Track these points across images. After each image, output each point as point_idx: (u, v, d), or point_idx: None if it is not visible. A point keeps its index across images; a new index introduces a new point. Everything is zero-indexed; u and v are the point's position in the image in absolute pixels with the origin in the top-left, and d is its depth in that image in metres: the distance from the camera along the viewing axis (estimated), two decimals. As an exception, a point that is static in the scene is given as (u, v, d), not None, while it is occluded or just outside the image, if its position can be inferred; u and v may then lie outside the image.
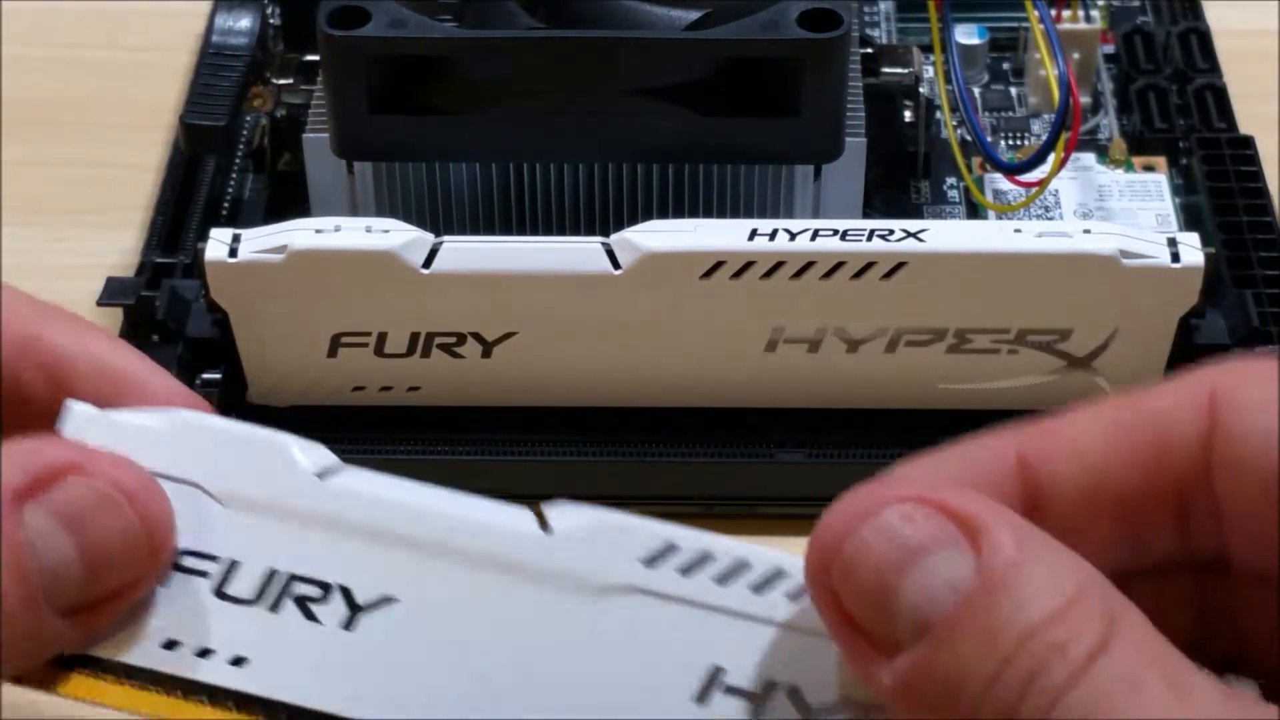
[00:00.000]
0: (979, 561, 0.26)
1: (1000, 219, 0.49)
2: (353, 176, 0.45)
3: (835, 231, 0.39)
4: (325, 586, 0.30)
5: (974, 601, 0.26)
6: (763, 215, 0.45)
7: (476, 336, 0.41)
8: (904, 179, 0.50)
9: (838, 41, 0.42)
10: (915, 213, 0.49)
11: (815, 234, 0.39)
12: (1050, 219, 0.49)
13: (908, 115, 0.50)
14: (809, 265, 0.39)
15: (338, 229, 0.40)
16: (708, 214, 0.45)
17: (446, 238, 0.40)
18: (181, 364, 0.42)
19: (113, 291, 0.44)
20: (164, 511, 0.30)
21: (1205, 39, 0.53)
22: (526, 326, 0.41)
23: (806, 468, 0.43)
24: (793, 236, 0.39)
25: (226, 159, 0.51)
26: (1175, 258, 0.40)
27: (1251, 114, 0.51)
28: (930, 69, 0.50)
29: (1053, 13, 0.51)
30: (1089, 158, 0.51)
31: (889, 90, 0.49)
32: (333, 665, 0.30)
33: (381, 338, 0.41)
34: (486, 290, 0.40)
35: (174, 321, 0.43)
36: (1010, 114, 0.53)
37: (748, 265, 0.39)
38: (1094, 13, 0.53)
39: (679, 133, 0.43)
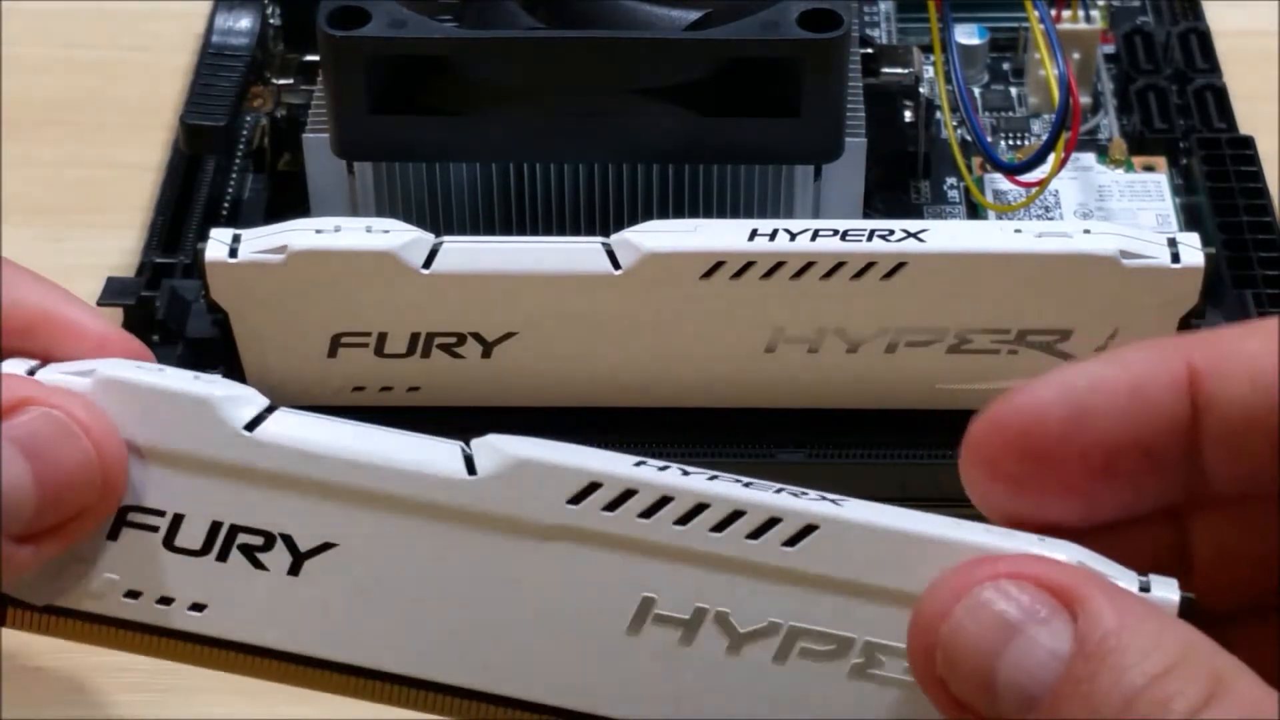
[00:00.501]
0: (1078, 631, 0.26)
1: (1000, 219, 0.49)
2: (353, 176, 0.45)
3: (835, 232, 0.39)
4: (268, 535, 0.31)
5: (1076, 671, 0.25)
6: (763, 215, 0.45)
7: (477, 337, 0.41)
8: (904, 179, 0.50)
9: (838, 41, 0.42)
10: (915, 213, 0.49)
11: (815, 234, 0.39)
12: (1050, 219, 0.49)
13: (908, 115, 0.50)
14: (809, 265, 0.39)
15: (338, 229, 0.40)
16: (708, 214, 0.45)
17: (446, 238, 0.40)
18: (181, 364, 0.42)
19: (113, 291, 0.44)
20: (117, 445, 0.30)
21: (1205, 39, 0.53)
22: (526, 327, 0.41)
23: (806, 467, 0.43)
24: (793, 237, 0.39)
25: (226, 159, 0.51)
26: (1175, 258, 0.40)
27: (1251, 114, 0.51)
28: (930, 69, 0.50)
29: (1053, 13, 0.51)
30: (1089, 158, 0.51)
31: (889, 90, 0.49)
32: (284, 608, 0.31)
33: (382, 338, 0.41)
34: (486, 290, 0.40)
35: (174, 322, 0.43)
36: (1010, 114, 0.53)
37: (748, 265, 0.39)
38: (1094, 13, 0.53)
39: (679, 133, 0.43)
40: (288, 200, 0.48)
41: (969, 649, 0.26)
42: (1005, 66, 0.54)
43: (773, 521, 0.30)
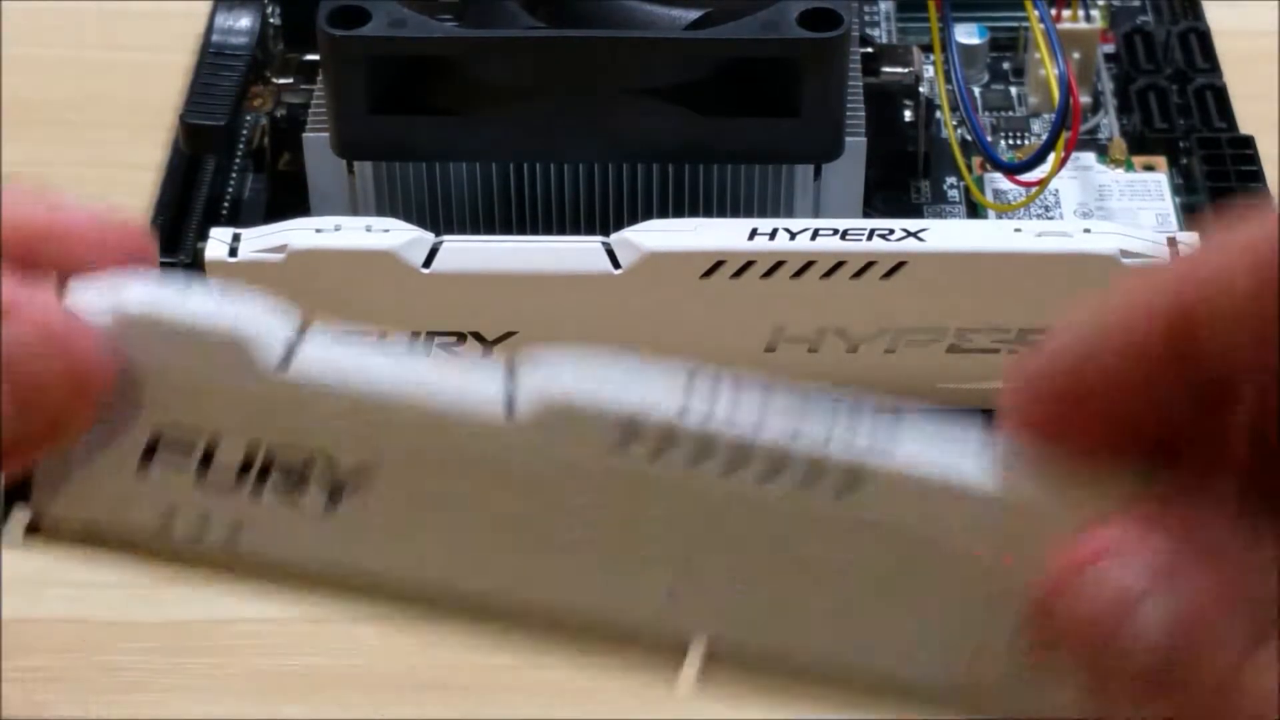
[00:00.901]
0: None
1: (1000, 218, 0.49)
2: (353, 176, 0.45)
3: (835, 231, 0.39)
4: (305, 458, 0.32)
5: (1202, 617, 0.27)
6: (763, 215, 0.45)
7: (477, 336, 0.41)
8: (904, 179, 0.50)
9: (838, 41, 0.42)
10: (915, 212, 0.49)
11: (815, 234, 0.40)
12: (1050, 218, 0.49)
13: (908, 115, 0.50)
14: (809, 265, 0.39)
15: (338, 228, 0.40)
16: (708, 214, 0.45)
17: (446, 237, 0.40)
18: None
19: (113, 291, 0.44)
20: (94, 355, 0.30)
21: (1205, 39, 0.53)
22: (526, 327, 0.41)
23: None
24: (793, 236, 0.39)
25: (226, 159, 0.51)
26: (1176, 258, 0.40)
27: (1251, 114, 0.51)
28: (930, 69, 0.50)
29: (1053, 12, 0.51)
30: (1089, 157, 0.51)
31: (889, 90, 0.49)
32: (322, 526, 0.32)
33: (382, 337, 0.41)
34: (486, 290, 0.40)
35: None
36: (1010, 114, 0.53)
37: (748, 265, 0.39)
38: (1094, 12, 0.53)
39: (679, 133, 0.43)
40: (288, 200, 0.48)
41: (1090, 617, 0.27)
42: (1005, 66, 0.54)
43: (819, 472, 0.30)
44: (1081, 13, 0.52)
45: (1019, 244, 0.40)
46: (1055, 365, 0.29)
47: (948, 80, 0.48)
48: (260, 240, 0.40)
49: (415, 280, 0.39)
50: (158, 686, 0.40)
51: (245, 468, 0.32)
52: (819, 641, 0.31)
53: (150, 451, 0.32)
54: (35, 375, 0.30)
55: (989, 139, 0.51)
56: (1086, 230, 0.40)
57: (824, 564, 0.30)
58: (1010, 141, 0.52)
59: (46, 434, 0.30)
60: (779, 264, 0.39)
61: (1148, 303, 0.28)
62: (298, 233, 0.40)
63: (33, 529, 0.33)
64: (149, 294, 0.32)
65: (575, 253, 0.40)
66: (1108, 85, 0.53)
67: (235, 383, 0.32)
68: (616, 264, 0.40)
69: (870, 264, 0.39)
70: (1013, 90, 0.54)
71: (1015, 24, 0.54)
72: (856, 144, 0.44)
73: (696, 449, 0.31)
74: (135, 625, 0.42)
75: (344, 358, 0.32)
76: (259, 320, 0.32)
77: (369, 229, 0.40)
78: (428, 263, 0.40)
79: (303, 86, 0.48)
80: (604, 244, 0.40)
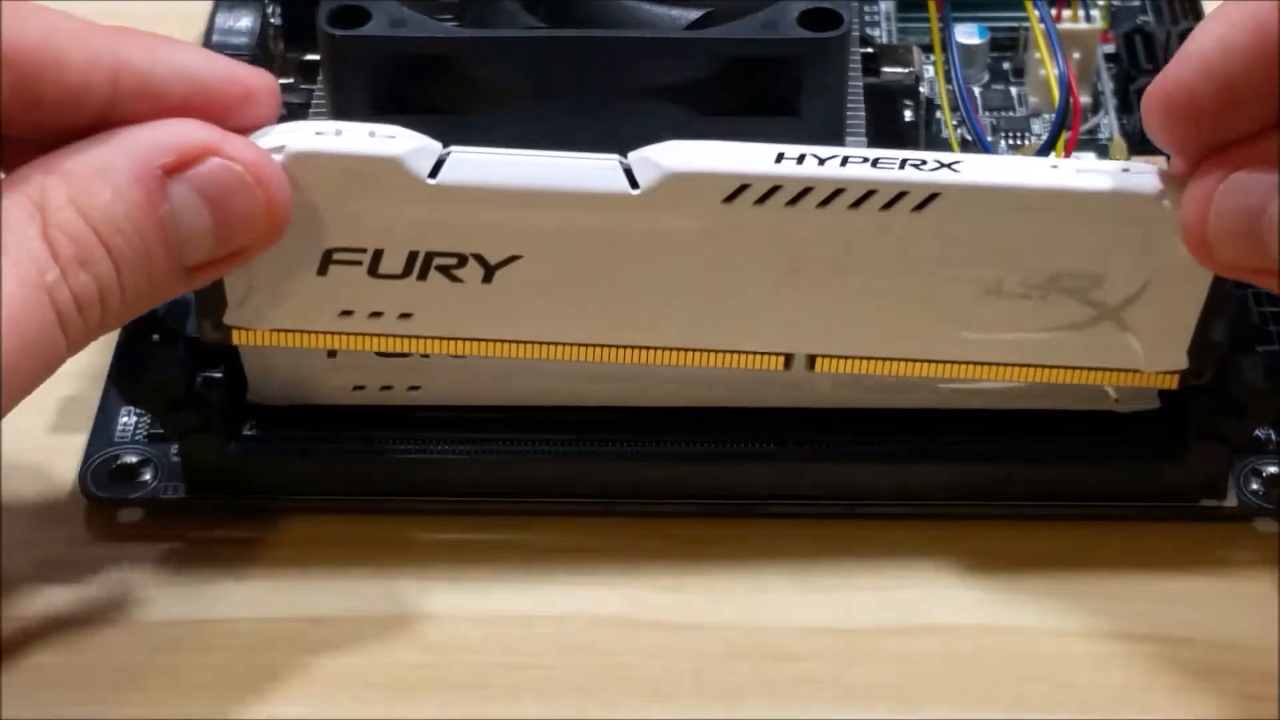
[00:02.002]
0: None
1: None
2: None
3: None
4: (460, 256, 0.38)
5: None
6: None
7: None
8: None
9: (838, 41, 0.42)
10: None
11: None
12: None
13: (908, 115, 0.50)
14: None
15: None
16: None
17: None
18: (181, 364, 0.42)
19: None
20: (285, 192, 0.37)
21: (1205, 39, 0.53)
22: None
23: (805, 466, 0.43)
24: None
25: (227, 158, 0.51)
26: None
27: (1251, 114, 0.51)
28: (930, 69, 0.50)
29: (1053, 12, 0.51)
30: (1089, 157, 0.51)
31: (889, 90, 0.49)
32: (481, 307, 0.39)
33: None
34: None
35: (174, 320, 0.43)
36: (1010, 114, 0.53)
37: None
38: (1094, 12, 0.53)
39: (679, 132, 0.43)
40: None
41: (1236, 209, 0.36)
42: (1005, 66, 0.54)
43: (901, 194, 0.37)
44: (1081, 13, 0.52)
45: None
46: (1200, 69, 0.35)
47: (948, 80, 0.48)
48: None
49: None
50: (158, 686, 0.40)
51: (407, 271, 0.39)
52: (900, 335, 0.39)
53: (325, 265, 0.39)
54: (240, 205, 0.36)
55: (989, 139, 0.51)
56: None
57: (907, 267, 0.38)
58: (1010, 142, 0.52)
59: (239, 256, 0.37)
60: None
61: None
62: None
63: (214, 329, 0.40)
64: (310, 134, 0.38)
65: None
66: (1108, 85, 0.53)
67: (395, 195, 0.38)
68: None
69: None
70: (1013, 90, 0.54)
71: (1015, 24, 0.54)
72: (856, 144, 0.44)
73: (796, 190, 0.37)
74: (135, 625, 0.42)
75: (486, 162, 0.38)
76: (408, 142, 0.38)
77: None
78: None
79: (303, 86, 0.48)
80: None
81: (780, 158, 0.38)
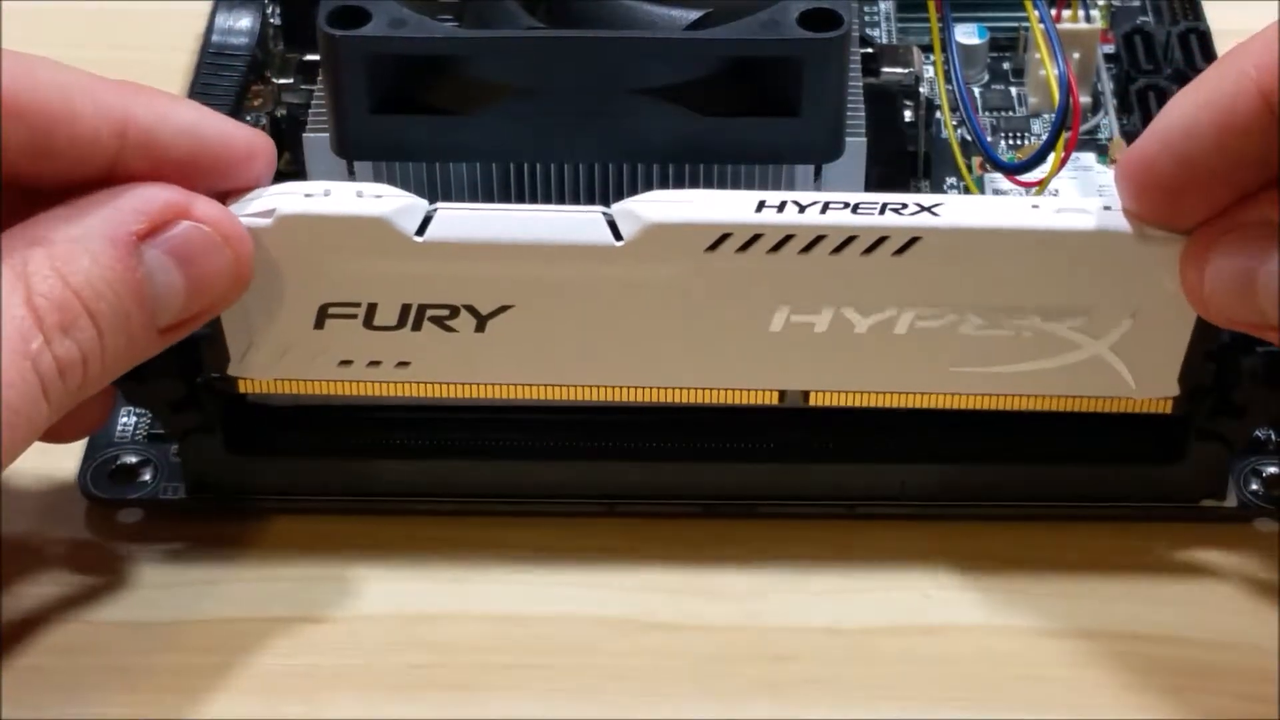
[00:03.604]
0: None
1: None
2: (353, 176, 0.45)
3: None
4: (452, 307, 0.39)
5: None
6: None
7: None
8: (904, 179, 0.50)
9: (838, 41, 0.42)
10: (915, 212, 0.49)
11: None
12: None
13: (908, 115, 0.50)
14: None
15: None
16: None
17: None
18: (179, 363, 0.42)
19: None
20: (250, 248, 0.38)
21: (1205, 39, 0.53)
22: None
23: (806, 468, 0.43)
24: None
25: (226, 159, 0.51)
26: None
27: (1251, 114, 0.51)
28: (930, 69, 0.50)
29: (1053, 12, 0.51)
30: (1089, 157, 0.51)
31: (889, 90, 0.49)
32: (475, 355, 0.40)
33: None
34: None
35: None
36: (1010, 114, 0.53)
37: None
38: (1094, 12, 0.53)
39: (679, 132, 0.43)
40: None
41: (1231, 270, 0.37)
42: (1005, 66, 0.54)
43: (882, 239, 0.38)
44: (1081, 13, 0.52)
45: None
46: (1162, 148, 0.36)
47: (947, 80, 0.48)
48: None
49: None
50: (158, 686, 0.40)
51: (401, 322, 0.40)
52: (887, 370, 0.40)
53: (321, 319, 0.40)
54: (210, 265, 0.37)
55: (989, 139, 0.51)
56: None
57: (887, 304, 0.39)
58: (1010, 142, 0.52)
59: (207, 313, 0.38)
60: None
61: (1242, 81, 0.36)
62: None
63: (220, 381, 0.41)
64: (299, 196, 0.39)
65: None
66: (1107, 85, 0.53)
67: (384, 252, 0.39)
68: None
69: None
70: (1012, 90, 0.54)
71: (1015, 24, 0.54)
72: (857, 144, 0.44)
73: (777, 238, 0.38)
74: (136, 625, 0.42)
75: (471, 218, 0.38)
76: (394, 201, 0.39)
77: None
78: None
79: (303, 86, 0.48)
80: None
81: (761, 206, 0.38)
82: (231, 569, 0.43)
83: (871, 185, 0.46)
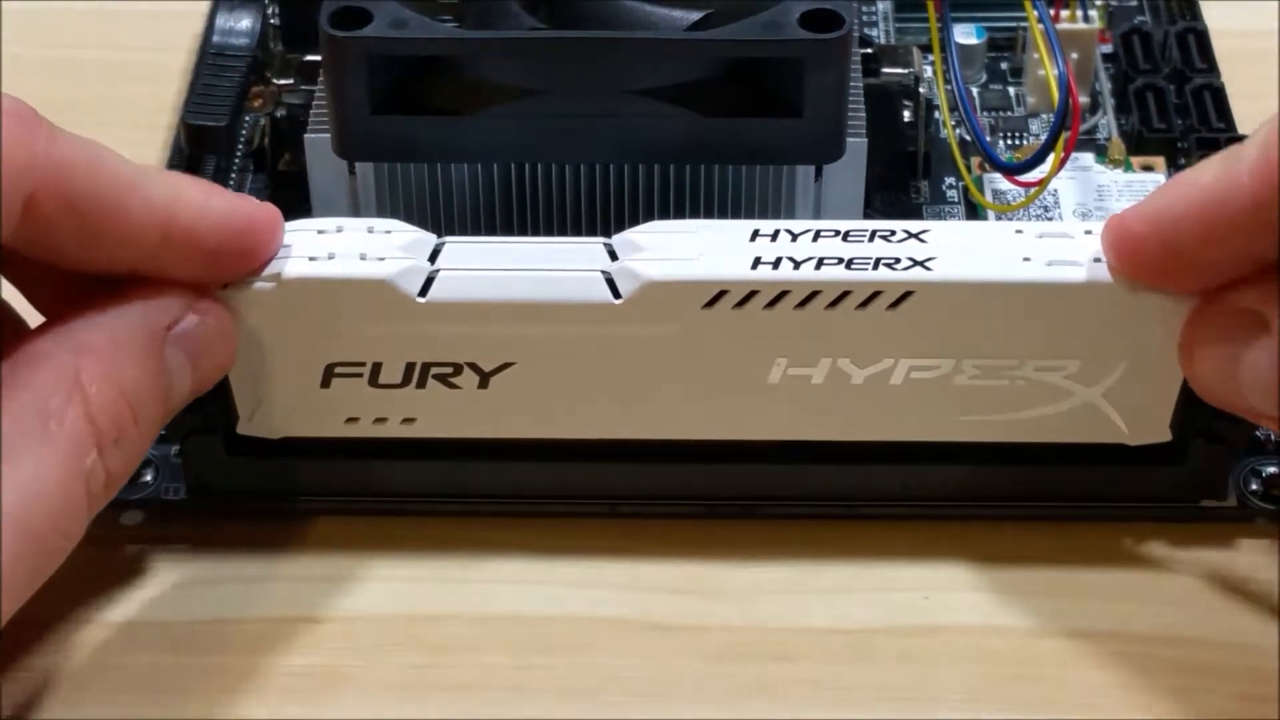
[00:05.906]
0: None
1: (1000, 219, 0.49)
2: (354, 177, 0.45)
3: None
4: (455, 365, 0.40)
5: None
6: (764, 215, 0.45)
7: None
8: (904, 179, 0.50)
9: (839, 42, 0.42)
10: (915, 213, 0.50)
11: (817, 234, 0.39)
12: (1050, 219, 0.49)
13: (907, 115, 0.50)
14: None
15: (340, 229, 0.39)
16: (709, 214, 0.45)
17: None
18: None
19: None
20: (236, 333, 0.39)
21: (1203, 39, 0.53)
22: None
23: (807, 467, 0.43)
24: (794, 237, 0.39)
25: (227, 159, 0.51)
26: None
27: (1250, 114, 0.52)
28: (929, 69, 0.51)
29: (1051, 13, 0.51)
30: (1088, 157, 0.51)
31: (888, 90, 0.49)
32: (480, 409, 0.40)
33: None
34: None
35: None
36: (1009, 114, 0.53)
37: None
38: (1092, 13, 0.53)
39: (680, 133, 0.43)
40: (289, 200, 0.48)
41: (1215, 359, 0.37)
42: (1004, 66, 0.54)
43: (876, 294, 0.38)
44: (1080, 13, 0.52)
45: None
46: (1151, 231, 0.37)
47: (946, 80, 0.48)
48: None
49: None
50: (158, 686, 0.40)
51: (406, 380, 0.40)
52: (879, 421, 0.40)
53: (327, 379, 0.40)
54: (215, 358, 0.39)
55: (988, 139, 0.51)
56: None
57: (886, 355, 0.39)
58: (1009, 142, 0.52)
59: (203, 390, 0.39)
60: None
61: (1234, 179, 0.35)
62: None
63: (235, 441, 0.41)
64: (303, 260, 0.39)
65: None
66: (1106, 85, 0.53)
67: (387, 314, 0.40)
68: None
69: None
70: (1011, 90, 0.54)
71: (1014, 24, 0.54)
72: (857, 145, 0.45)
73: (773, 295, 0.39)
74: (136, 625, 0.42)
75: (473, 278, 0.39)
76: (397, 264, 0.39)
77: (371, 230, 0.39)
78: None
79: (303, 87, 0.48)
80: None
81: (757, 263, 0.39)
82: (232, 570, 0.43)
83: (871, 185, 0.46)
